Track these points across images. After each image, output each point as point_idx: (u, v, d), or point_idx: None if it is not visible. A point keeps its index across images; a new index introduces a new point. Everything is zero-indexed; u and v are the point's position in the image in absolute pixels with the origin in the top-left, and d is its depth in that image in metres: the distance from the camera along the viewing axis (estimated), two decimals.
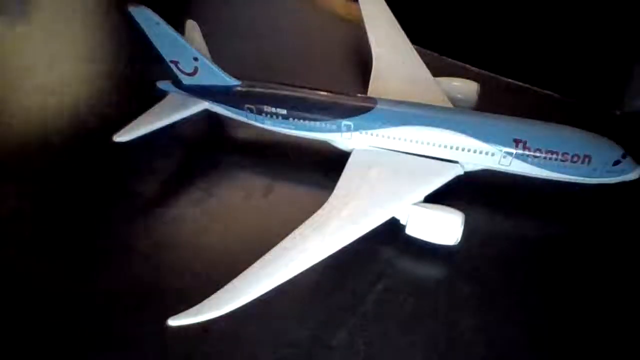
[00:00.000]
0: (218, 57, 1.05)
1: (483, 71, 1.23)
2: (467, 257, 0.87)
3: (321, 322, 0.79)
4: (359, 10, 1.24)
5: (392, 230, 0.86)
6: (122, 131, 0.96)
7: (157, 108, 1.03)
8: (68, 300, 0.81)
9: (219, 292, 0.72)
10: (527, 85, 1.21)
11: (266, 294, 0.72)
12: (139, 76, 1.21)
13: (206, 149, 1.09)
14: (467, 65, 1.24)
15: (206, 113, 1.05)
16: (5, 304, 0.81)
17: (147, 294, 0.82)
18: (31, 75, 1.26)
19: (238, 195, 0.99)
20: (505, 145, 0.89)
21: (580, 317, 0.81)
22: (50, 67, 1.29)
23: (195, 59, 0.98)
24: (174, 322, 0.70)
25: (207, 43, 1.11)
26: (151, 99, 1.04)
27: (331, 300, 0.82)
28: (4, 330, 0.78)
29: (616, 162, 0.87)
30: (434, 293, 0.83)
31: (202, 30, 1.13)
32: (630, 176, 0.88)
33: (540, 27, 1.25)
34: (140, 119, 0.99)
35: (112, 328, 0.78)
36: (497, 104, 1.01)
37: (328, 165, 0.94)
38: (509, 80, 1.23)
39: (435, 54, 1.23)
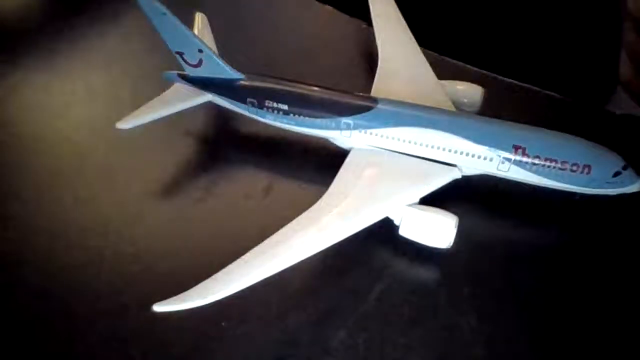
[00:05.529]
0: (224, 51, 1.06)
1: (484, 72, 1.22)
2: (467, 258, 0.86)
3: (321, 322, 0.79)
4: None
5: (393, 230, 0.85)
6: (124, 119, 0.98)
7: (160, 98, 1.03)
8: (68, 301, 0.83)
9: (205, 281, 0.72)
10: (527, 86, 1.20)
11: (266, 293, 0.72)
12: None
13: (206, 147, 1.09)
14: (468, 66, 1.23)
15: (209, 106, 1.06)
16: None
17: (146, 293, 0.81)
18: None
19: (238, 195, 0.99)
20: (504, 150, 0.88)
21: (579, 317, 0.81)
22: None
23: (200, 51, 0.99)
24: (159, 307, 0.70)
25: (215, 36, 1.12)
26: None
27: (331, 300, 0.82)
28: None
29: (616, 174, 0.85)
30: (434, 293, 0.83)
31: (210, 23, 1.14)
32: (631, 189, 0.86)
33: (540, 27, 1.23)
34: (143, 107, 1.00)
35: (114, 328, 0.79)
36: (497, 103, 1.00)
37: (328, 165, 0.93)
38: (510, 80, 1.21)
39: (436, 54, 1.22)
